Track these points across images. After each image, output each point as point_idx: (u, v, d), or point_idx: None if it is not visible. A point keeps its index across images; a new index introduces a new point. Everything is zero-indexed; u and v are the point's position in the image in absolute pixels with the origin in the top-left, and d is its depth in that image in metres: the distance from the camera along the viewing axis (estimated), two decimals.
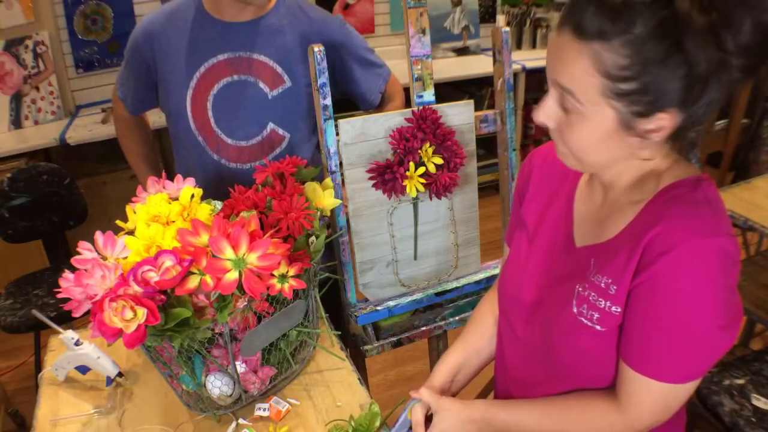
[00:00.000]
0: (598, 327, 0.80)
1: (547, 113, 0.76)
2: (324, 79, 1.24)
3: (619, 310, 0.78)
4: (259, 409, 1.07)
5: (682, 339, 0.73)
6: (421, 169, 1.28)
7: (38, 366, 2.15)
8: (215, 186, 1.42)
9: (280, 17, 1.40)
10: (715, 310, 0.72)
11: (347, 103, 1.56)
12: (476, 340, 1.07)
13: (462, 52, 3.66)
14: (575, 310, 0.82)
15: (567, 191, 0.92)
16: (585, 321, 0.81)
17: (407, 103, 1.35)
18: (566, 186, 0.92)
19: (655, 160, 0.78)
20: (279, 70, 1.40)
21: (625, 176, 0.80)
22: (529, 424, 0.88)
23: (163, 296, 0.90)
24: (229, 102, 1.40)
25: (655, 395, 0.77)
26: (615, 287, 0.77)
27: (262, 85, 1.40)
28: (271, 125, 1.43)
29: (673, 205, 0.74)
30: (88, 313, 0.93)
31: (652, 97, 0.67)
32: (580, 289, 0.82)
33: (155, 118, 1.55)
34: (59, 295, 0.94)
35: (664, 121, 0.70)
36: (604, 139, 0.73)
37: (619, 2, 0.65)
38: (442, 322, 1.44)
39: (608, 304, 0.78)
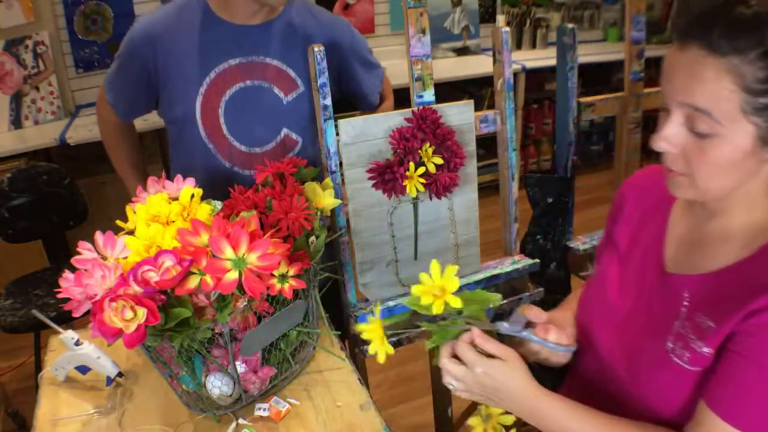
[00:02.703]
0: (688, 366, 0.75)
1: (671, 139, 0.71)
2: (324, 79, 1.24)
3: (710, 351, 0.72)
4: (259, 409, 1.07)
5: None
6: (421, 169, 1.28)
7: (38, 366, 2.15)
8: (226, 194, 1.35)
9: (291, 20, 1.38)
10: None
11: (347, 103, 1.56)
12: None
13: (462, 52, 3.66)
14: (669, 346, 0.77)
15: (662, 213, 0.88)
16: (676, 359, 0.76)
17: (407, 103, 1.34)
18: (661, 209, 0.88)
19: None
20: (293, 74, 1.38)
21: (741, 204, 0.75)
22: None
23: (163, 296, 0.90)
24: (243, 108, 1.36)
25: None
26: (713, 328, 0.72)
27: (276, 90, 1.37)
28: (285, 130, 1.41)
29: None
30: (88, 313, 0.93)
31: None
32: (678, 325, 0.77)
33: (156, 118, 1.53)
34: (59, 295, 0.94)
35: None
36: (741, 159, 0.69)
37: (750, 15, 0.64)
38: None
39: (701, 344, 0.73)
